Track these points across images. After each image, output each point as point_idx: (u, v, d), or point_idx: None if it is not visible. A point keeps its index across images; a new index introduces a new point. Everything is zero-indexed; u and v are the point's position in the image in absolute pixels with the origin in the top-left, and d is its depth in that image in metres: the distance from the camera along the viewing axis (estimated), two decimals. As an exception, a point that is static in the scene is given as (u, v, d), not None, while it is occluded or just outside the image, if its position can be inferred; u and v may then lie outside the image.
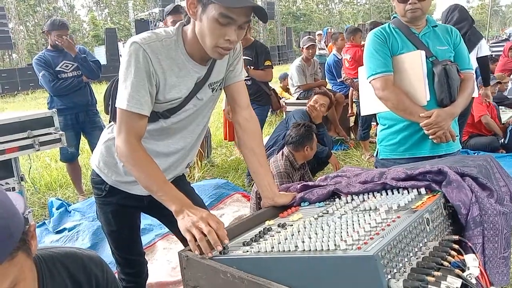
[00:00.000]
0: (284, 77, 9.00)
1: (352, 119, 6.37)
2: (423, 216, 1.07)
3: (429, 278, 0.87)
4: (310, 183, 1.57)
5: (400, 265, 0.93)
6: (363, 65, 2.28)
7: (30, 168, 3.55)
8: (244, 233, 1.34)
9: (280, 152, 3.41)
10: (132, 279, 1.85)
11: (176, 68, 1.44)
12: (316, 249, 0.99)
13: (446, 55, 2.16)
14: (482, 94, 4.78)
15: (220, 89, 1.63)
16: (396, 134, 2.22)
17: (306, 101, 4.76)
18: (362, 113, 2.48)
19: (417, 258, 0.97)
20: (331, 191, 1.44)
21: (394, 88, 2.11)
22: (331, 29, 21.30)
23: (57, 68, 4.08)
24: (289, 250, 1.04)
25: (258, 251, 1.10)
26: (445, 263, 0.95)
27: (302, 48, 6.09)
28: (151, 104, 1.42)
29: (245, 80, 1.71)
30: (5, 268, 0.83)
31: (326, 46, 12.60)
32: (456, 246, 1.03)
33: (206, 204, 3.59)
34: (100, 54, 22.27)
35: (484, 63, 4.33)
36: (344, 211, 1.26)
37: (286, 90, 8.61)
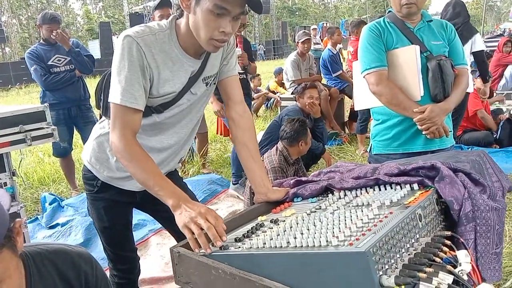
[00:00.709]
0: (279, 72, 8.98)
1: (347, 114, 6.38)
2: (415, 212, 1.06)
3: (421, 275, 0.87)
4: (303, 178, 1.57)
5: (392, 261, 0.92)
6: None
7: (21, 161, 3.52)
8: (237, 229, 1.33)
9: (275, 147, 3.40)
10: (125, 275, 1.84)
11: (169, 62, 1.42)
12: (308, 245, 0.98)
13: (440, 50, 2.15)
14: (480, 91, 4.78)
15: (214, 83, 1.61)
16: (389, 129, 2.21)
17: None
18: (356, 108, 2.48)
19: (409, 254, 0.97)
20: (324, 186, 1.43)
21: (388, 83, 2.10)
22: (326, 23, 21.28)
23: (50, 62, 4.05)
24: (281, 246, 1.03)
25: (250, 247, 1.09)
26: (437, 259, 0.95)
27: (298, 42, 6.08)
28: (145, 99, 1.40)
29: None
30: None
31: (321, 40, 12.58)
32: (448, 242, 1.03)
33: (200, 200, 3.61)
34: (94, 48, 22.14)
35: (480, 58, 4.31)
36: (337, 207, 1.25)
37: (281, 84, 8.60)
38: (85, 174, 1.70)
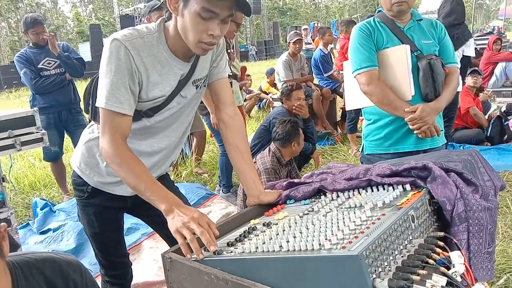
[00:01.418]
0: (270, 72, 8.97)
1: (339, 113, 6.39)
2: (408, 213, 1.06)
3: (414, 277, 0.86)
4: (295, 180, 1.56)
5: (385, 264, 0.92)
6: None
7: (11, 167, 3.47)
8: (229, 233, 1.32)
9: (267, 148, 3.39)
10: (117, 281, 1.81)
11: (158, 65, 1.41)
12: (301, 249, 0.97)
13: (431, 49, 2.15)
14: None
15: (204, 86, 1.60)
16: (381, 129, 2.21)
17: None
18: (347, 108, 2.48)
19: (402, 256, 0.96)
20: (316, 188, 1.42)
21: (379, 83, 2.10)
22: (317, 23, 21.33)
23: (39, 66, 4.00)
24: (274, 250, 1.02)
25: (243, 252, 1.08)
26: (431, 261, 0.94)
27: (289, 42, 6.07)
28: (133, 103, 1.38)
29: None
30: None
31: (313, 40, 12.60)
32: (441, 243, 1.02)
33: (193, 202, 3.59)
34: (85, 50, 22.02)
35: (465, 63, 4.27)
36: (329, 209, 1.24)
37: (273, 85, 8.59)
38: (75, 180, 1.67)
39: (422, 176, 1.24)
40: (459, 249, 1.04)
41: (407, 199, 1.14)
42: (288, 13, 52.43)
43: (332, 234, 0.99)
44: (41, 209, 3.86)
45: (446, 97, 2.13)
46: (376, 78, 2.11)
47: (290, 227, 1.15)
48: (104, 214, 1.68)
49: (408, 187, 1.25)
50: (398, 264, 0.93)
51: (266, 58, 27.38)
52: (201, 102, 1.79)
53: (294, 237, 1.05)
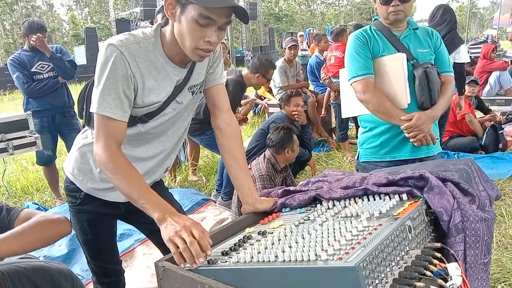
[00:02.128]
0: (266, 78, 8.95)
1: (334, 120, 6.38)
2: (405, 224, 1.05)
3: (412, 289, 0.85)
4: (291, 188, 1.55)
5: (382, 275, 0.90)
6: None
7: (5, 171, 3.44)
8: (224, 241, 1.30)
9: (262, 155, 3.38)
10: (109, 288, 1.79)
11: (154, 71, 1.40)
12: (297, 260, 0.96)
13: (426, 58, 2.16)
14: (456, 103, 4.80)
15: (200, 92, 1.59)
16: (377, 137, 2.21)
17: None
18: (343, 116, 2.47)
19: (399, 268, 0.95)
20: (312, 196, 1.41)
21: (375, 91, 2.10)
22: (313, 30, 21.43)
23: (33, 69, 3.97)
24: (269, 261, 1.00)
25: (237, 261, 1.06)
26: (428, 273, 0.93)
27: (285, 48, 6.08)
28: (128, 109, 1.37)
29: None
30: None
31: (308, 47, 12.64)
32: (438, 255, 1.01)
33: (187, 208, 3.56)
34: (80, 54, 21.94)
35: (460, 70, 4.27)
36: (326, 218, 1.23)
37: (269, 90, 8.58)
38: (68, 185, 1.65)
39: (419, 185, 1.23)
40: (456, 261, 1.03)
41: (403, 209, 1.13)
42: (284, 19, 52.63)
43: (329, 245, 0.98)
44: (33, 213, 3.82)
45: (441, 106, 2.14)
46: (372, 86, 2.11)
47: (285, 236, 1.14)
48: (97, 220, 1.66)
49: (404, 196, 1.24)
50: (395, 276, 0.92)
51: (262, 64, 27.38)
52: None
53: (290, 247, 1.04)
